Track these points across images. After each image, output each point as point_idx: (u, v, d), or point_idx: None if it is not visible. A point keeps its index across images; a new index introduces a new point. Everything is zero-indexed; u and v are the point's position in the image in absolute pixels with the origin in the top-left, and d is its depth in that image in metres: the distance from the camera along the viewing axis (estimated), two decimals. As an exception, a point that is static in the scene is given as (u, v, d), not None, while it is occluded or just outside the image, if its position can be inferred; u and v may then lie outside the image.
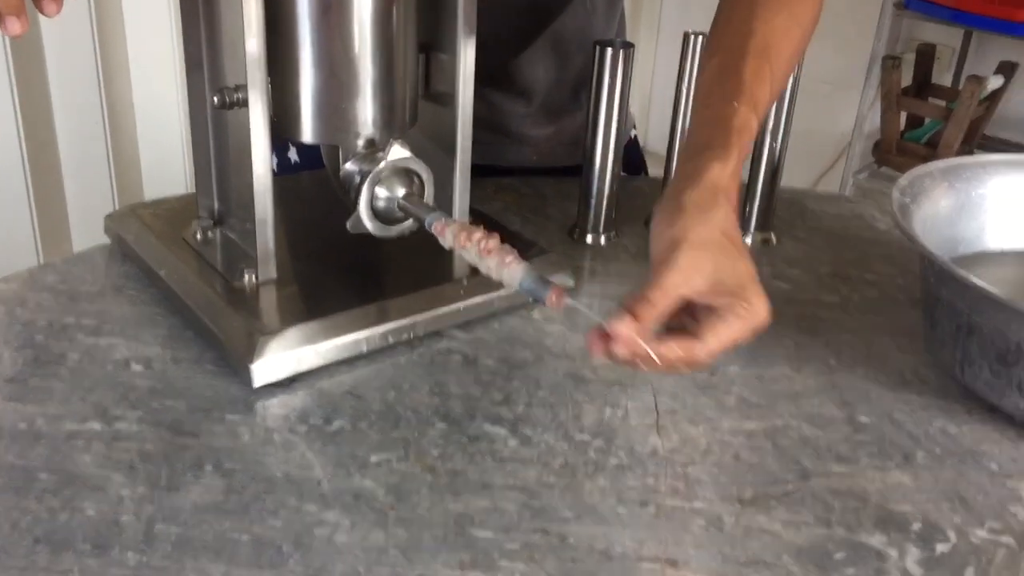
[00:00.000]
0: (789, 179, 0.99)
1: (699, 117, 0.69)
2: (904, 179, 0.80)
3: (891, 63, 2.41)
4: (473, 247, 0.63)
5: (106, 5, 1.87)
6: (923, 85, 2.57)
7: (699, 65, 0.73)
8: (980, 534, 0.60)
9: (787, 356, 0.77)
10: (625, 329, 0.55)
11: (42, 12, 0.58)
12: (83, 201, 1.95)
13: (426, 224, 0.68)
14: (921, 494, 0.63)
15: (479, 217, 0.86)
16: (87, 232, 1.88)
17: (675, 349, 0.57)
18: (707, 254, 0.59)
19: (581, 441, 0.66)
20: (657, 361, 0.57)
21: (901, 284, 0.89)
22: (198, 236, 0.80)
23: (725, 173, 0.63)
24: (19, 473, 0.60)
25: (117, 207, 1.66)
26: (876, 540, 0.59)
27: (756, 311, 0.59)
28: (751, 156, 0.94)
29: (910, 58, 2.57)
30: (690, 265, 0.58)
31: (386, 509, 0.59)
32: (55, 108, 1.86)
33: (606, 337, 0.56)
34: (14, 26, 0.57)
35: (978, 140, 2.51)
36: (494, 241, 0.63)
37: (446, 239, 0.66)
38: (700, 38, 0.89)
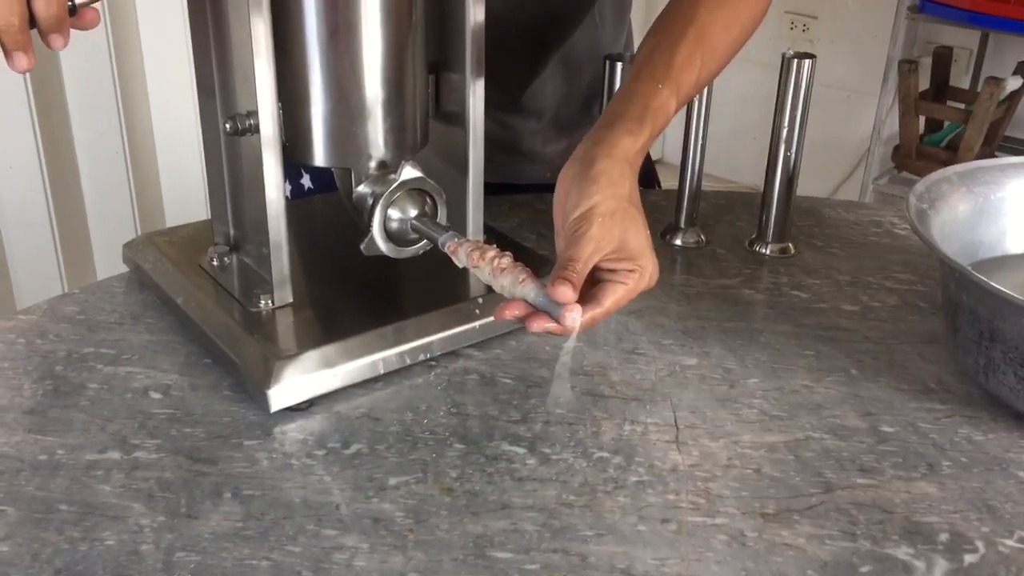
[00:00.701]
0: (809, 187, 0.99)
1: (624, 90, 0.73)
2: (921, 185, 0.79)
3: (908, 67, 2.39)
4: (486, 265, 0.63)
5: (124, 33, 1.89)
6: (941, 88, 2.54)
7: (642, 41, 0.77)
8: (1009, 544, 0.59)
9: (808, 367, 0.76)
10: (570, 292, 0.60)
11: (49, 47, 0.59)
12: (106, 229, 1.96)
13: (439, 244, 0.68)
14: (947, 504, 0.62)
15: (494, 235, 0.86)
16: (111, 259, 1.89)
17: (585, 319, 0.62)
18: (616, 222, 0.64)
19: (600, 458, 0.65)
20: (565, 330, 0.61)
21: (922, 291, 0.88)
22: (214, 262, 0.80)
23: (635, 147, 0.68)
24: (40, 504, 0.60)
25: (139, 233, 1.67)
26: (903, 552, 0.58)
27: (648, 275, 0.65)
28: (766, 165, 0.93)
29: (927, 62, 2.55)
30: (602, 235, 0.64)
31: (405, 532, 0.59)
32: (76, 137, 1.88)
33: (536, 314, 0.61)
34: (21, 61, 0.57)
35: (998, 142, 2.48)
36: (507, 259, 0.63)
37: (459, 258, 0.66)
38: (711, 49, 0.89)
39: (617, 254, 0.64)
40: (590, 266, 0.63)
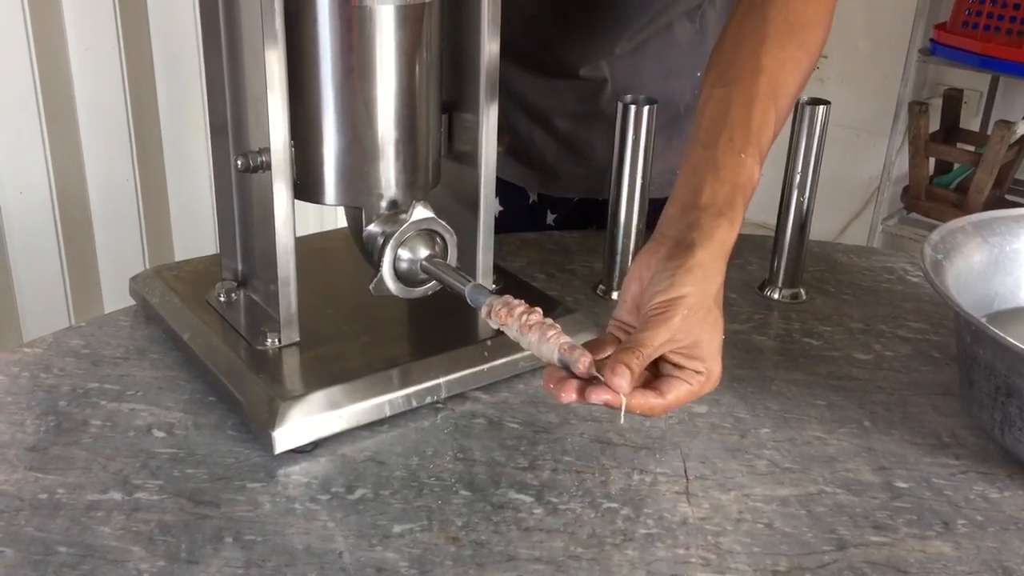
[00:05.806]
0: (816, 227, 0.98)
1: (705, 158, 0.67)
2: (936, 234, 0.79)
3: (918, 108, 2.39)
4: (514, 322, 0.61)
5: (138, 66, 1.90)
6: (951, 130, 2.54)
7: (703, 92, 0.71)
8: (1026, 608, 0.58)
9: (819, 417, 0.75)
10: (626, 384, 0.58)
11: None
12: (114, 262, 1.96)
13: (468, 300, 0.66)
14: (963, 565, 0.61)
15: (503, 274, 0.85)
16: (119, 293, 1.88)
17: (642, 403, 0.60)
18: (697, 320, 0.61)
19: (609, 509, 0.64)
20: (621, 406, 0.59)
21: (936, 341, 0.87)
22: (222, 298, 0.80)
23: (732, 236, 0.64)
24: (38, 546, 0.59)
25: (148, 266, 1.66)
26: (917, 614, 0.57)
27: (713, 380, 0.62)
28: (778, 209, 0.93)
29: (937, 103, 2.55)
30: (682, 328, 0.60)
31: (409, 583, 0.58)
32: (87, 169, 1.88)
33: (574, 382, 0.59)
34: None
35: (1008, 185, 2.48)
36: (536, 315, 0.61)
37: (491, 320, 0.64)
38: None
39: (689, 351, 0.61)
40: (657, 355, 0.61)
